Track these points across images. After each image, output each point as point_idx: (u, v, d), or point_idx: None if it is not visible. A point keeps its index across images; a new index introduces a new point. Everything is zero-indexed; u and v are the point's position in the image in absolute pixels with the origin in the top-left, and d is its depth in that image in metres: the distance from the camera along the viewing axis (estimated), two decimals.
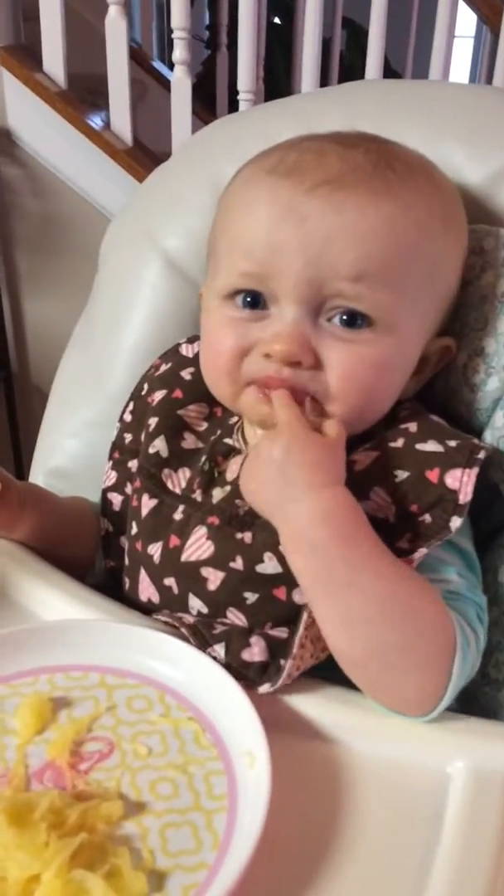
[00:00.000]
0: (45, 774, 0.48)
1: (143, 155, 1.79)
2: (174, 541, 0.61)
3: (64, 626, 0.57)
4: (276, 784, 0.45)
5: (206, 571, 0.58)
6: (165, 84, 2.19)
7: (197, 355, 0.68)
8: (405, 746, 0.51)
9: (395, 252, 0.55)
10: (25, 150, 1.79)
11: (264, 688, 0.52)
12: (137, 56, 2.22)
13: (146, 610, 0.61)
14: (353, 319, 0.55)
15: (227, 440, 0.63)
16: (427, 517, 0.54)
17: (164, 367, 0.70)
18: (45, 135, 1.74)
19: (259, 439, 0.57)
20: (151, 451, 0.65)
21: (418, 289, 0.57)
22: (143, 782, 0.47)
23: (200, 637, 0.55)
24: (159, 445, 0.65)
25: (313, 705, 0.53)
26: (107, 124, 1.79)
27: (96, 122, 1.79)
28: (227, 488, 0.60)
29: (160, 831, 0.45)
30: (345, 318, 0.55)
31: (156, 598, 0.61)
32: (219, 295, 0.58)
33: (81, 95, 1.82)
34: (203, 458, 0.63)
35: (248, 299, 0.57)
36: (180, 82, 1.75)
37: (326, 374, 0.55)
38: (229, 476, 0.61)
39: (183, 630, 0.56)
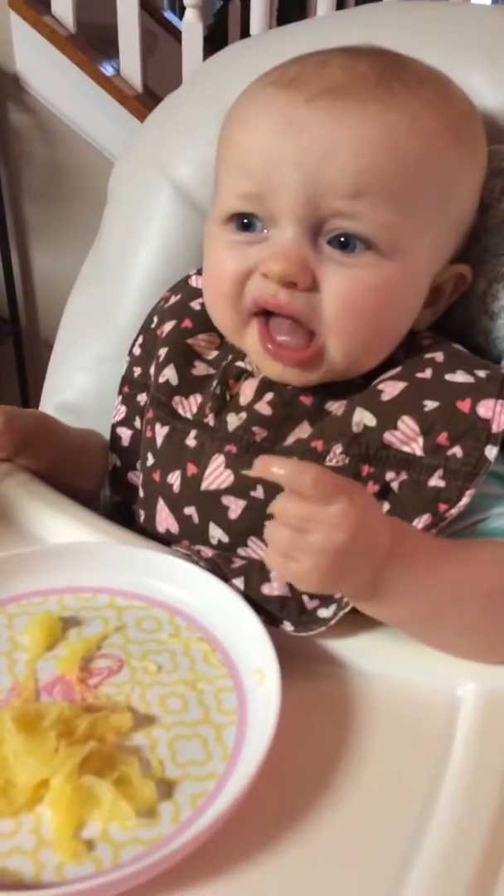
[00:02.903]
0: (54, 688, 0.48)
1: (153, 102, 1.75)
2: (192, 469, 0.60)
3: (72, 548, 0.57)
4: (285, 703, 0.45)
5: (227, 500, 0.58)
6: (177, 35, 2.15)
7: None
8: (415, 668, 0.51)
9: (397, 165, 0.52)
10: (34, 96, 1.76)
11: (286, 626, 0.52)
12: (148, 5, 2.17)
13: (164, 541, 0.60)
14: (353, 243, 0.52)
15: (239, 363, 0.62)
16: (457, 450, 0.52)
17: (173, 299, 0.69)
18: (54, 80, 1.72)
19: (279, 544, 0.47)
20: (161, 380, 0.64)
21: (427, 209, 0.54)
22: (153, 697, 0.47)
23: (219, 571, 0.54)
24: (169, 374, 0.64)
25: None
26: (117, 71, 1.76)
27: (106, 68, 1.75)
28: (243, 415, 0.59)
29: (169, 743, 0.44)
30: (343, 240, 0.52)
31: (175, 529, 0.61)
32: (218, 219, 0.57)
33: (91, 42, 1.78)
34: (214, 383, 0.62)
35: (246, 222, 0.55)
36: (192, 27, 1.71)
37: (324, 299, 0.53)
38: (243, 401, 0.60)
39: (201, 564, 0.55)
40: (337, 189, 0.51)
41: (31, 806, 0.41)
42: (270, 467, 0.44)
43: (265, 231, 0.55)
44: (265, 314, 0.56)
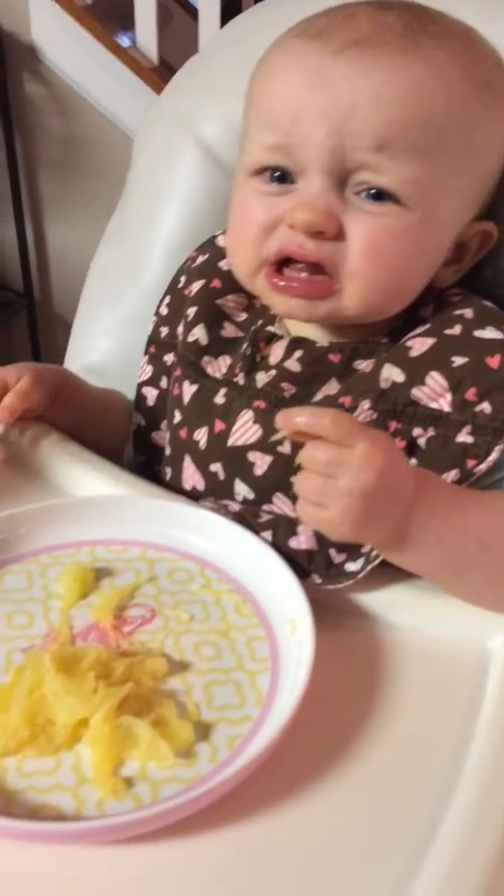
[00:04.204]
0: (89, 634, 0.48)
1: (169, 74, 1.74)
2: (219, 425, 0.60)
3: (103, 500, 0.57)
4: (316, 652, 0.45)
5: (254, 456, 0.58)
6: (191, 11, 2.13)
7: None
8: (445, 622, 0.51)
9: (421, 118, 0.52)
10: (49, 68, 1.75)
11: (315, 579, 0.52)
12: None
13: (190, 498, 0.60)
14: (378, 195, 0.53)
15: (270, 327, 0.62)
16: (486, 406, 0.52)
17: (200, 259, 0.69)
18: (70, 51, 1.71)
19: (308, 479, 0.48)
20: (190, 339, 0.64)
21: (451, 163, 0.54)
22: (187, 644, 0.48)
23: (246, 524, 0.55)
24: (198, 334, 0.64)
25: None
26: (133, 42, 1.75)
27: (122, 40, 1.74)
28: (272, 372, 0.59)
29: (204, 688, 0.45)
30: (371, 191, 0.53)
31: (201, 486, 0.61)
32: (246, 171, 0.57)
33: (108, 13, 1.77)
34: (245, 345, 0.62)
35: (276, 175, 0.55)
36: None
37: (349, 246, 0.53)
38: (272, 360, 0.60)
39: (229, 518, 0.55)
40: (362, 141, 0.52)
41: (71, 744, 0.41)
42: (291, 417, 0.45)
43: (293, 182, 0.55)
44: (279, 265, 0.56)
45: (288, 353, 0.59)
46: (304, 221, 0.53)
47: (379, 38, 0.52)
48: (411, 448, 0.54)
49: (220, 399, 0.61)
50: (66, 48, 1.71)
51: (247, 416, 0.59)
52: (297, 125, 0.53)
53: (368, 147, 0.51)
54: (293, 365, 0.59)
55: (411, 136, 0.52)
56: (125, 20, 1.77)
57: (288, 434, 0.47)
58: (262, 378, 0.60)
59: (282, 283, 0.55)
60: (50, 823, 0.38)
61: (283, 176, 0.55)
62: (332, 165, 0.52)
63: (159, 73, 1.71)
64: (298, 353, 0.59)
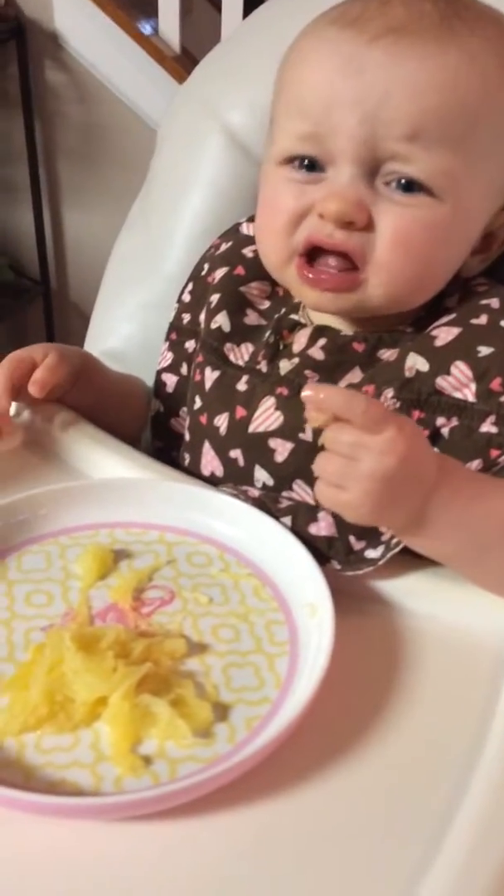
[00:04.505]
0: (108, 615, 0.48)
1: (192, 64, 1.74)
2: (240, 412, 0.60)
3: (122, 483, 0.57)
4: (335, 637, 0.45)
5: (274, 442, 0.58)
6: (215, 2, 2.12)
7: None
8: (463, 610, 0.51)
9: (456, 107, 0.51)
10: (71, 55, 1.75)
11: (334, 565, 0.52)
12: None
13: (208, 484, 0.60)
14: (409, 185, 0.52)
15: (293, 316, 0.62)
16: None
17: (224, 247, 0.69)
18: (92, 38, 1.70)
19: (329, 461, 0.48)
20: (213, 326, 0.64)
21: (483, 151, 0.53)
22: (205, 627, 0.48)
23: (266, 510, 0.55)
24: (221, 320, 0.64)
25: None
26: (155, 31, 1.74)
27: (145, 27, 1.74)
28: (296, 360, 0.59)
29: (223, 669, 0.45)
30: (402, 182, 0.52)
31: (219, 472, 0.61)
32: (276, 160, 0.56)
33: (130, 1, 1.77)
34: (268, 333, 0.62)
35: (306, 163, 0.55)
36: None
37: (377, 237, 0.53)
38: (296, 348, 0.60)
39: (249, 503, 0.55)
40: (394, 130, 0.51)
41: (90, 722, 0.42)
42: (320, 393, 0.45)
43: (323, 170, 0.54)
44: (309, 256, 0.56)
45: (312, 341, 0.59)
46: (334, 211, 0.52)
47: (415, 26, 0.51)
48: (434, 438, 0.54)
49: (242, 386, 0.61)
50: (89, 35, 1.71)
51: (269, 402, 0.59)
52: (329, 113, 0.52)
53: (401, 136, 0.51)
54: (317, 353, 0.59)
55: (445, 126, 0.51)
56: (147, 8, 1.76)
57: (312, 410, 0.46)
58: (285, 365, 0.60)
59: (311, 276, 0.55)
60: (69, 798, 0.38)
61: (312, 164, 0.54)
62: (363, 155, 0.52)
63: (181, 63, 1.70)
64: (322, 342, 0.59)
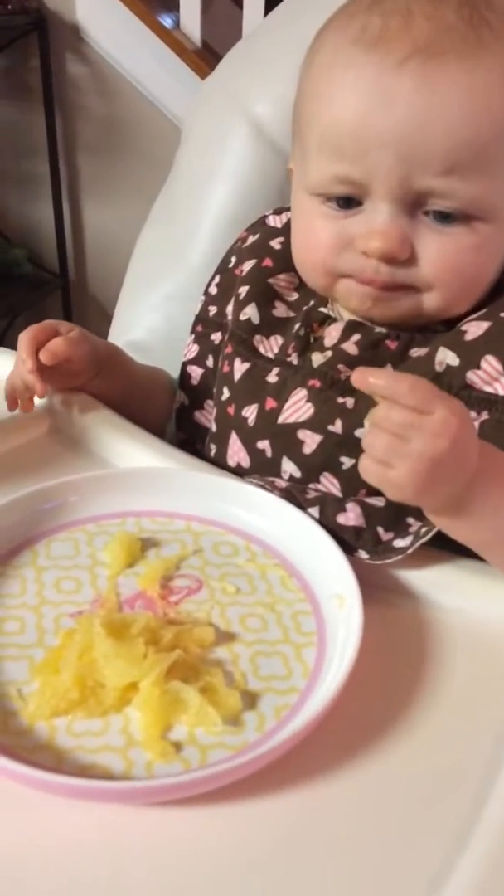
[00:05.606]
0: (136, 602, 0.48)
1: (212, 58, 1.75)
2: (270, 403, 0.60)
3: (150, 472, 0.58)
4: (363, 629, 0.45)
5: (303, 434, 0.58)
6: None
7: (285, 226, 0.66)
8: (491, 604, 0.51)
9: (489, 132, 0.51)
10: (93, 48, 1.75)
11: (361, 554, 0.52)
12: None
13: (234, 475, 0.61)
14: (448, 216, 0.53)
15: (322, 309, 0.62)
16: None
17: (251, 239, 0.69)
18: (114, 31, 1.71)
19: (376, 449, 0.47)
20: (242, 317, 0.64)
21: None
22: (233, 616, 0.48)
23: (294, 501, 0.55)
24: (250, 312, 0.64)
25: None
26: (176, 24, 1.74)
27: (166, 20, 1.74)
28: (328, 353, 0.59)
29: (251, 658, 0.45)
30: (440, 214, 0.53)
31: (246, 463, 0.61)
32: (310, 192, 0.56)
33: None
34: (297, 325, 0.62)
35: (342, 201, 0.55)
36: None
37: (422, 266, 0.54)
38: (328, 342, 0.60)
39: (276, 493, 0.56)
40: (431, 168, 0.51)
41: (120, 707, 0.42)
42: (368, 377, 0.45)
43: (360, 204, 0.54)
44: None
45: (345, 336, 0.59)
46: (379, 250, 0.53)
47: (442, 45, 0.50)
48: None
49: (272, 378, 0.61)
50: (110, 28, 1.71)
51: (300, 394, 0.59)
52: (363, 155, 0.52)
53: (438, 173, 0.51)
54: (350, 347, 0.59)
55: (480, 153, 0.51)
56: (168, 1, 1.77)
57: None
58: (317, 358, 0.60)
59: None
60: (102, 781, 0.38)
61: (350, 201, 0.54)
62: (402, 192, 0.52)
63: (202, 56, 1.71)
64: (356, 337, 0.59)
